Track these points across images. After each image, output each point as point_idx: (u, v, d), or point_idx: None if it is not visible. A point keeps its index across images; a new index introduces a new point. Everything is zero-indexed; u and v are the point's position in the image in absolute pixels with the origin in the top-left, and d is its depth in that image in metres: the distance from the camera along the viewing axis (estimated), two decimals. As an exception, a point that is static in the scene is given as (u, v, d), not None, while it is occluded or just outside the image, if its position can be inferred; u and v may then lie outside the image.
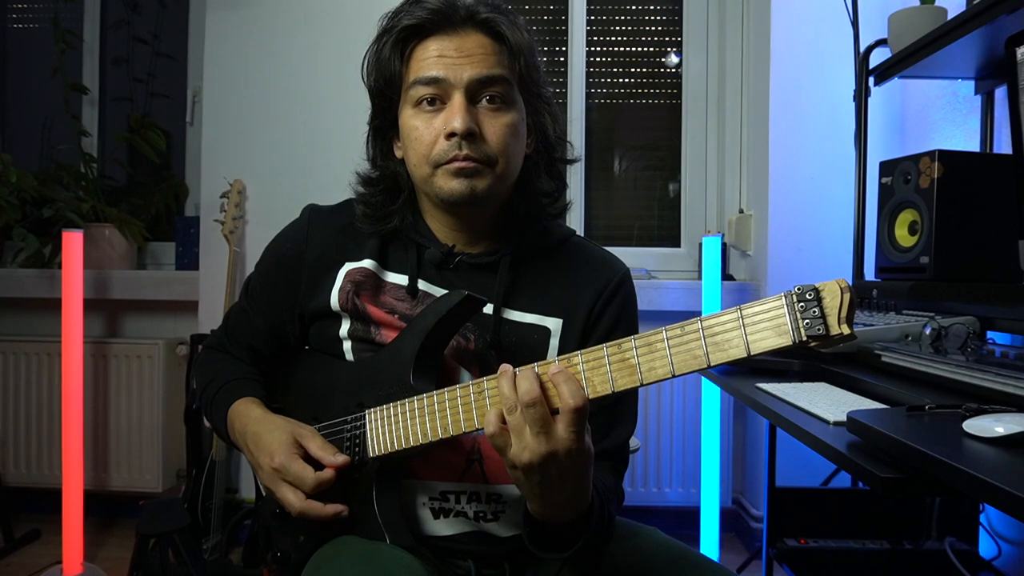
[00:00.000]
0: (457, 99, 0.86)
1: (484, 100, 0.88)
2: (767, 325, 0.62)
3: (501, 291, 0.93)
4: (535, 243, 0.97)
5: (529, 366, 0.73)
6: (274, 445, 0.87)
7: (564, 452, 0.69)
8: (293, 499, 0.84)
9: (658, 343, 0.67)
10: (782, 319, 0.62)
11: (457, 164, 0.87)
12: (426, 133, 0.88)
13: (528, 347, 0.93)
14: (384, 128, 0.96)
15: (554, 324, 0.94)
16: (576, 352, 0.72)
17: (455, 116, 0.86)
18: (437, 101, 0.88)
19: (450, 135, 0.86)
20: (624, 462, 0.98)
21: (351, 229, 0.98)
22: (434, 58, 0.87)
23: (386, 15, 0.92)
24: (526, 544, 0.80)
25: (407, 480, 0.92)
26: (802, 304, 0.61)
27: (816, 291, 0.61)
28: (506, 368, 0.73)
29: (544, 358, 0.92)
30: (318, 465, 0.85)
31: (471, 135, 0.86)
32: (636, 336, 0.69)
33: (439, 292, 0.94)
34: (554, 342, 0.94)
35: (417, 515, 0.92)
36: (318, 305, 0.96)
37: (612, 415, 0.95)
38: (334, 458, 0.85)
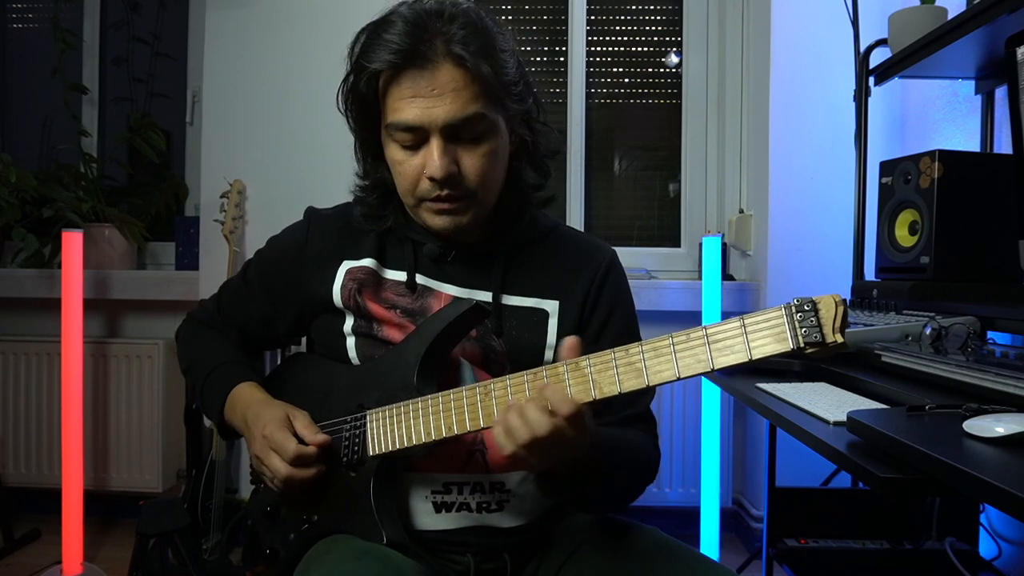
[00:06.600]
0: (435, 143, 0.87)
1: (462, 134, 0.88)
2: (768, 333, 0.68)
3: (499, 279, 0.96)
4: (526, 232, 1.00)
5: (532, 399, 0.75)
6: (267, 417, 0.91)
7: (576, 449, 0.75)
8: (279, 465, 0.87)
9: (664, 348, 0.72)
10: (781, 328, 0.68)
11: (439, 205, 0.90)
12: (408, 169, 0.90)
13: (528, 330, 0.96)
14: (370, 142, 0.97)
15: (551, 306, 0.97)
16: (585, 356, 0.75)
17: (433, 162, 0.87)
18: (416, 140, 0.89)
19: (431, 178, 0.88)
20: (653, 422, 1.01)
21: (349, 229, 1.01)
22: (408, 99, 0.87)
23: (355, 39, 0.92)
24: (540, 491, 0.85)
25: (408, 473, 0.93)
26: (800, 315, 0.67)
27: (813, 303, 0.67)
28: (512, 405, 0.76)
29: (544, 339, 0.96)
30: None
31: (451, 177, 0.88)
32: (643, 342, 0.73)
33: (438, 285, 0.97)
34: (552, 323, 0.97)
35: (417, 510, 0.93)
36: (323, 299, 0.98)
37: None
38: (314, 436, 0.89)
